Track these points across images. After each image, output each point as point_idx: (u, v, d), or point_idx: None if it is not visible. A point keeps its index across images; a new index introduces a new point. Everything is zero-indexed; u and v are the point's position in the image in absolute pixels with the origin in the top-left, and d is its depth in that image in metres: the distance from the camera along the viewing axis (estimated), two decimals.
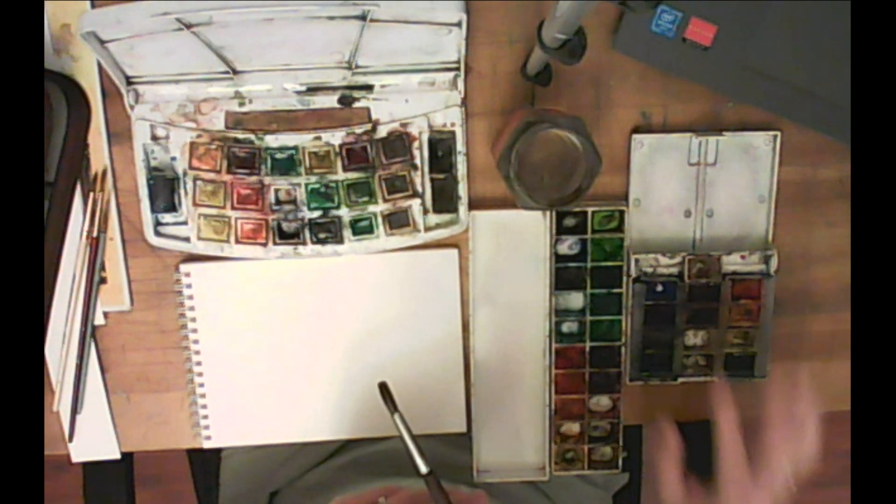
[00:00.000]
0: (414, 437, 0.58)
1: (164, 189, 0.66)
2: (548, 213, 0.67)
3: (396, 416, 0.58)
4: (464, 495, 0.62)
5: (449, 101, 0.65)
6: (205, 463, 0.94)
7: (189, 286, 0.68)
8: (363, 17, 0.58)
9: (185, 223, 0.67)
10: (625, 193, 0.68)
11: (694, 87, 0.65)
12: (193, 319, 0.69)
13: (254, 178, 0.65)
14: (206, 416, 0.71)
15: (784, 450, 0.63)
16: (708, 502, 0.64)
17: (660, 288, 0.69)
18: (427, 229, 0.67)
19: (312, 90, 0.65)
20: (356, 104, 0.65)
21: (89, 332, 0.69)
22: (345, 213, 0.66)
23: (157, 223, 0.67)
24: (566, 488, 0.84)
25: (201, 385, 0.70)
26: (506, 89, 0.66)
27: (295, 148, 0.65)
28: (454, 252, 0.68)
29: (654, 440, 0.68)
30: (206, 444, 0.72)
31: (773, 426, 0.63)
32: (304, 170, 0.66)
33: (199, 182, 0.65)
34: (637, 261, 0.68)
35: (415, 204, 0.66)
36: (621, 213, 0.67)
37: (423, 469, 0.57)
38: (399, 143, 0.65)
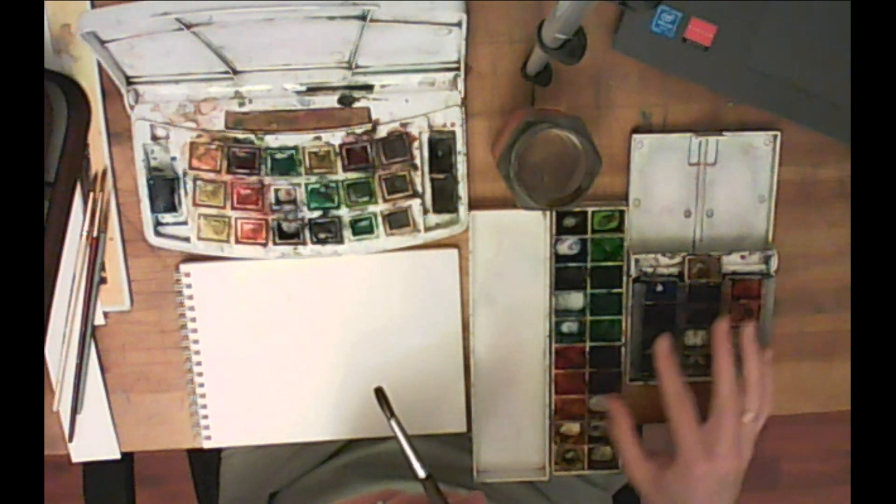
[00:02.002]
0: (411, 442, 0.58)
1: (164, 189, 0.66)
2: (548, 213, 0.67)
3: (393, 421, 0.58)
4: (462, 497, 0.61)
5: (449, 101, 0.65)
6: (205, 463, 0.94)
7: (189, 286, 0.68)
8: (363, 17, 0.58)
9: (185, 223, 0.67)
10: (625, 193, 0.68)
11: (694, 87, 0.65)
12: (193, 319, 0.69)
13: (254, 178, 0.65)
14: (206, 416, 0.71)
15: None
16: (670, 467, 0.64)
17: (660, 288, 0.69)
18: (427, 229, 0.67)
19: (312, 90, 0.65)
20: (356, 104, 0.65)
21: (89, 332, 0.69)
22: (345, 213, 0.66)
23: (157, 223, 0.67)
24: (566, 489, 0.84)
25: (201, 385, 0.70)
26: (506, 89, 0.66)
27: (295, 148, 0.65)
28: (454, 252, 0.68)
29: (609, 419, 0.69)
30: (206, 444, 0.72)
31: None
32: (304, 170, 0.66)
33: (199, 182, 0.65)
34: (637, 261, 0.68)
35: (415, 204, 0.66)
36: (621, 213, 0.67)
37: (421, 473, 0.58)
38: (399, 143, 0.65)
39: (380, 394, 0.59)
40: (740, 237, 0.69)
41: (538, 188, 0.57)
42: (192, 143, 0.65)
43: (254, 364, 0.70)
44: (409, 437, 0.58)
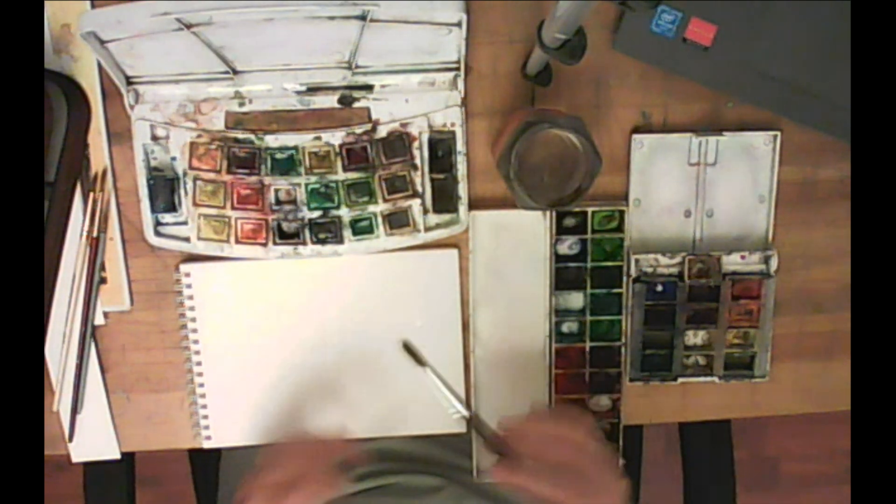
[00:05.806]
0: (448, 385, 0.62)
1: (164, 189, 0.66)
2: (548, 213, 0.67)
3: (427, 369, 0.62)
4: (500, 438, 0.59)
5: (449, 101, 0.65)
6: (205, 463, 0.94)
7: (189, 286, 0.68)
8: (363, 17, 0.58)
9: (185, 223, 0.67)
10: (625, 193, 0.68)
11: (694, 87, 0.65)
12: (193, 319, 0.69)
13: (254, 178, 0.65)
14: (206, 416, 0.71)
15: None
16: None
17: (660, 288, 0.69)
18: (427, 229, 0.67)
19: (312, 90, 0.65)
20: (356, 104, 0.65)
21: (89, 332, 0.69)
22: (345, 213, 0.66)
23: (157, 223, 0.67)
24: None
25: (201, 385, 0.70)
26: (506, 89, 0.66)
27: (295, 148, 0.65)
28: (454, 252, 0.68)
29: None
30: (206, 444, 0.72)
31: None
32: (304, 170, 0.66)
33: (199, 182, 0.65)
34: (637, 261, 0.68)
35: (415, 204, 0.66)
36: (621, 213, 0.67)
37: (465, 413, 0.62)
38: (399, 143, 0.65)
39: (408, 348, 0.64)
40: (740, 237, 0.69)
41: (538, 188, 0.57)
42: (192, 143, 0.65)
43: (254, 364, 0.70)
44: (445, 381, 0.62)
